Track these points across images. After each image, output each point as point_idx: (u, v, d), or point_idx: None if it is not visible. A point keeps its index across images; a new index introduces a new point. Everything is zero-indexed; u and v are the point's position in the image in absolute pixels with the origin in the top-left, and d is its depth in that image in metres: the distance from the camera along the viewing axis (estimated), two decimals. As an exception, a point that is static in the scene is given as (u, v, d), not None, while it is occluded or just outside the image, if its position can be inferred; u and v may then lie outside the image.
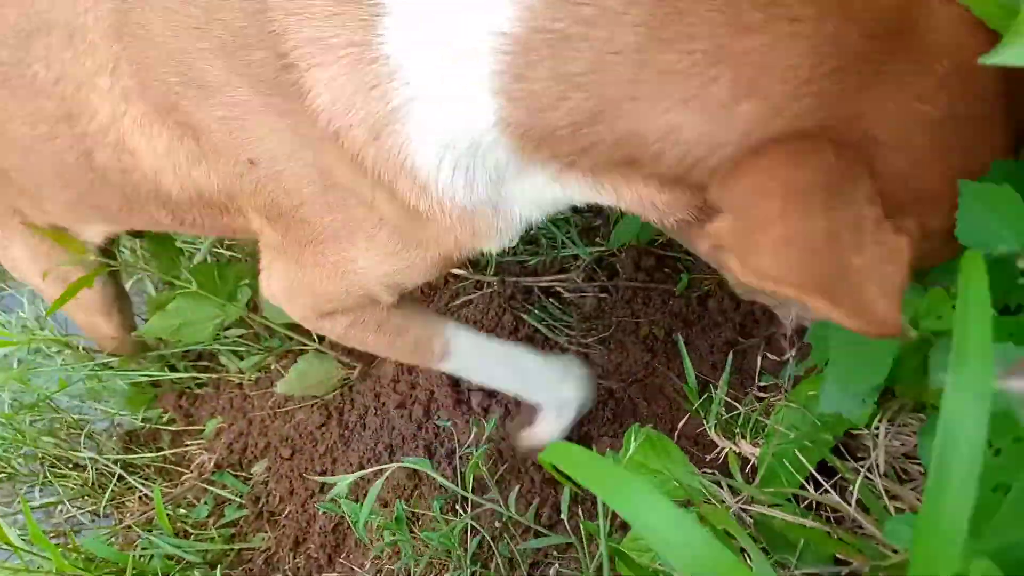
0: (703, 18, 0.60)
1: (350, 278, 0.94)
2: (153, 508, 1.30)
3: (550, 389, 1.14)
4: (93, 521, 1.52)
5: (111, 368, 1.56)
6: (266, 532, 1.29)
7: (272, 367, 1.47)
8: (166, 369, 1.56)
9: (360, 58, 0.72)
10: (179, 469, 1.48)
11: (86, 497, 1.53)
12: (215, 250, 1.70)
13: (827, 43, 0.59)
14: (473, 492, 1.13)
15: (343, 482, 1.04)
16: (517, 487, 1.12)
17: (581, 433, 1.18)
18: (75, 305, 1.34)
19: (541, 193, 0.79)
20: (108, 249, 1.32)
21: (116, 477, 1.49)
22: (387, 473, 1.06)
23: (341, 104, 0.74)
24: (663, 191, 0.71)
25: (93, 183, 1.02)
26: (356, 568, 1.16)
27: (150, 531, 1.35)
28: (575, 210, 1.36)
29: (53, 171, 1.04)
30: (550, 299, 1.34)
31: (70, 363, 1.64)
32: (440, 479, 1.12)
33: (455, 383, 1.26)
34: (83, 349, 1.65)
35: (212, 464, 1.40)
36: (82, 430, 1.60)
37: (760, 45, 0.59)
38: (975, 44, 0.58)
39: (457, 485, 1.14)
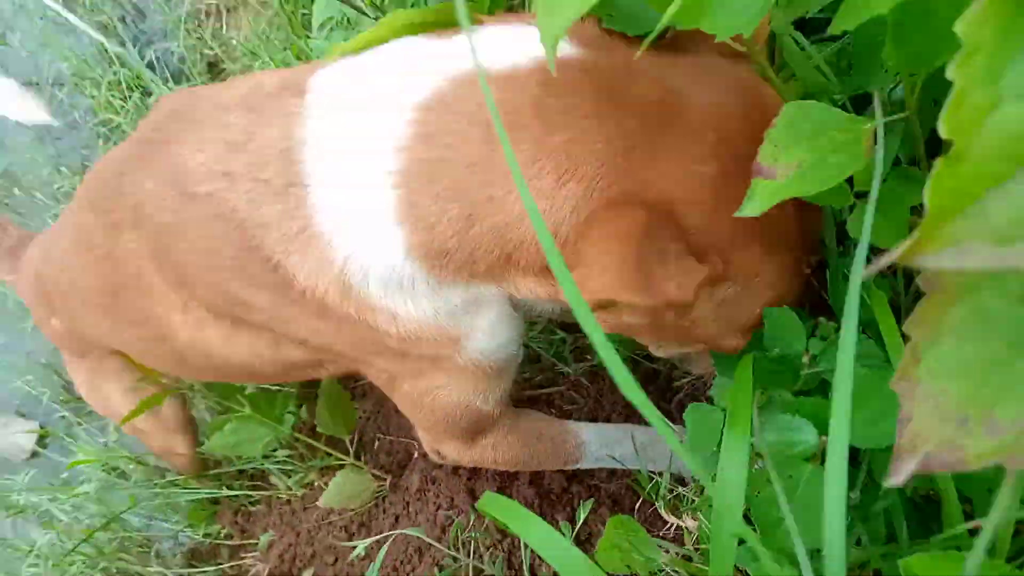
0: (525, 124, 0.80)
1: (438, 408, 1.10)
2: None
3: (668, 455, 1.21)
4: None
5: (176, 485, 1.77)
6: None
7: (316, 483, 1.66)
8: (223, 488, 1.77)
9: (310, 239, 0.92)
10: (240, 581, 1.67)
11: (155, 610, 1.72)
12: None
13: (614, 131, 0.80)
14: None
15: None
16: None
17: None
18: (153, 426, 1.58)
19: (475, 301, 0.97)
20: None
21: (181, 590, 1.69)
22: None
23: (313, 277, 0.94)
24: (540, 280, 0.90)
25: (181, 365, 1.30)
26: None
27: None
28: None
29: (156, 361, 1.36)
30: (552, 410, 1.53)
31: (142, 480, 1.85)
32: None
33: (471, 491, 1.43)
34: (154, 467, 1.87)
35: (266, 574, 1.58)
36: (151, 547, 1.81)
37: (567, 139, 0.80)
38: (735, 118, 0.80)
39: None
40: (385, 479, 1.54)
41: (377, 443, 1.67)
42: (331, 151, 0.90)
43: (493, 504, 0.74)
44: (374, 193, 0.87)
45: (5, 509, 1.94)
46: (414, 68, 0.88)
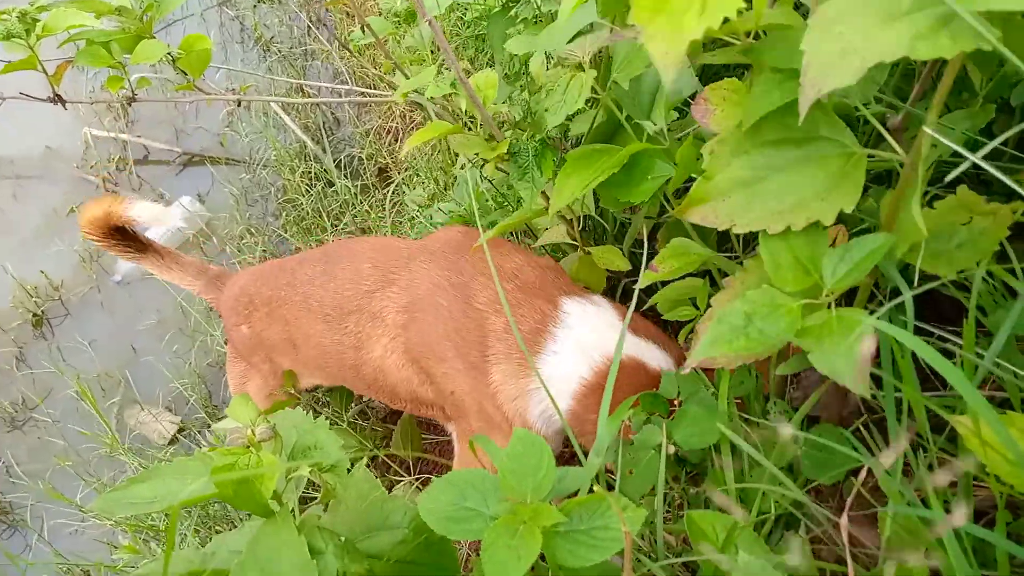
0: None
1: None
2: None
3: None
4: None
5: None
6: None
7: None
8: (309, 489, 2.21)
9: (518, 369, 1.51)
10: None
11: None
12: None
13: None
14: None
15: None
16: None
17: None
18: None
19: None
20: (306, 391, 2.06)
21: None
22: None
23: (502, 385, 1.51)
24: None
25: (350, 372, 1.82)
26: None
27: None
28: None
29: (335, 361, 1.84)
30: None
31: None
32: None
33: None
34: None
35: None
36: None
37: None
38: None
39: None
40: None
41: (435, 472, 2.09)
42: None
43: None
44: (563, 388, 1.47)
45: (145, 472, 2.44)
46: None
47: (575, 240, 1.65)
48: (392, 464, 2.07)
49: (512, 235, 2.07)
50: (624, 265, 1.58)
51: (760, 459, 1.10)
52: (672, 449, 1.18)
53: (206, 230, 3.32)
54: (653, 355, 1.46)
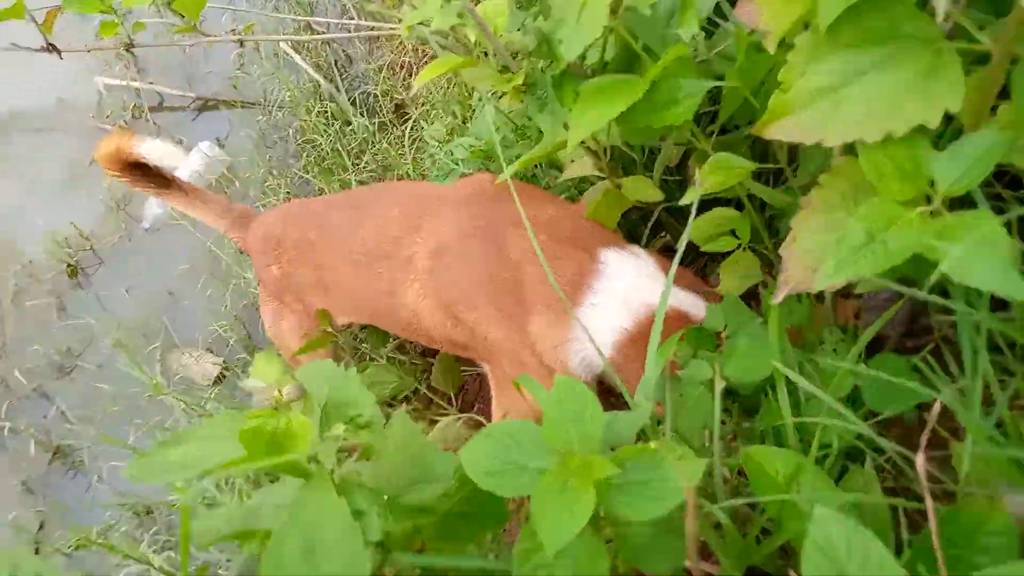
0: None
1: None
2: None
3: None
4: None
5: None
6: None
7: (427, 432, 2.18)
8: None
9: (559, 318, 1.53)
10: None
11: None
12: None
13: None
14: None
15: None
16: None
17: None
18: (309, 359, 2.14)
19: None
20: (340, 330, 2.13)
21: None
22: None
23: (541, 334, 1.55)
24: None
25: (384, 315, 1.89)
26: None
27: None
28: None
29: (369, 305, 1.91)
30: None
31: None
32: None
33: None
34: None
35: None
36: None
37: None
38: None
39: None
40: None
41: (476, 406, 2.18)
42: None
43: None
44: (604, 339, 1.49)
45: (198, 416, 2.54)
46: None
47: (602, 172, 1.69)
48: (434, 398, 2.16)
49: (537, 168, 2.11)
50: (656, 195, 1.62)
51: (818, 393, 1.12)
52: (722, 384, 1.21)
53: (227, 174, 3.36)
54: (695, 305, 1.47)
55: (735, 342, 1.30)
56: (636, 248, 1.60)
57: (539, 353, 1.59)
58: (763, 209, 1.55)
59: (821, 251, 1.00)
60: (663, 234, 1.90)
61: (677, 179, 1.79)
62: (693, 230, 1.46)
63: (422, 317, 1.77)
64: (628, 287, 1.50)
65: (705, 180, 1.27)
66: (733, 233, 1.50)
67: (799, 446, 1.20)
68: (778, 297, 1.04)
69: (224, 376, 2.85)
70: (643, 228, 1.87)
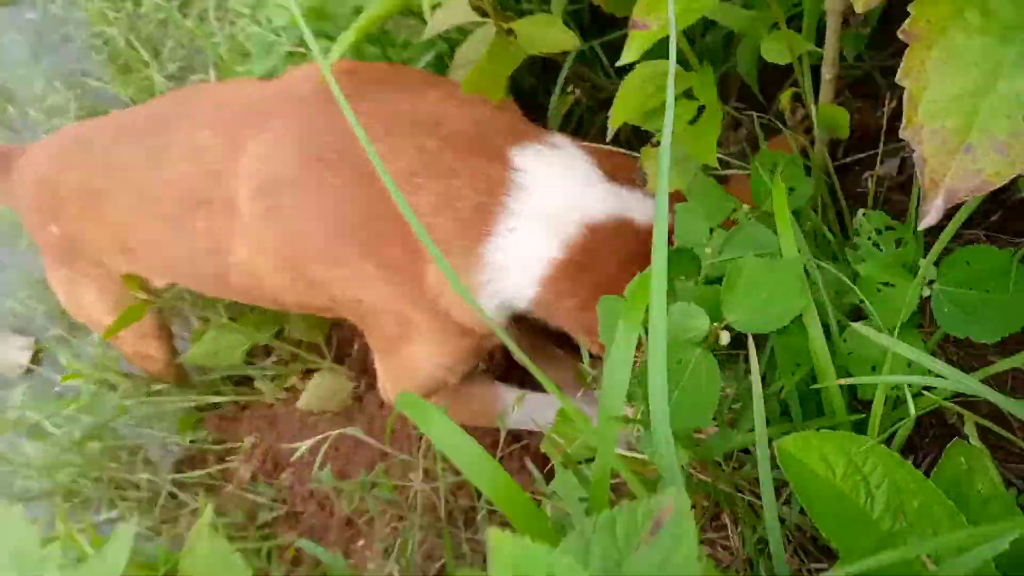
0: None
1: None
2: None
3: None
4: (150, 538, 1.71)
5: (162, 394, 1.76)
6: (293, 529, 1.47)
7: (298, 388, 1.65)
8: (210, 395, 1.76)
9: (467, 260, 1.05)
10: (224, 483, 1.67)
11: (144, 515, 1.73)
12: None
13: None
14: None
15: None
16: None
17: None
18: (130, 333, 1.56)
19: None
20: (160, 291, 1.54)
21: (168, 495, 1.69)
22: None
23: (446, 285, 1.07)
24: None
25: (211, 281, 1.34)
26: (368, 552, 1.33)
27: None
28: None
29: (188, 269, 1.36)
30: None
31: (131, 391, 1.85)
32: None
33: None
34: (143, 379, 1.86)
35: (248, 475, 1.59)
36: (139, 454, 1.81)
37: None
38: None
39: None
40: (360, 380, 1.52)
41: (355, 347, 1.66)
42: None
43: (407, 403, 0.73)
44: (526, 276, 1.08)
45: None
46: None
47: (484, 15, 1.12)
48: (297, 351, 1.62)
49: (389, 24, 1.51)
50: (568, 41, 1.07)
51: (866, 331, 0.69)
52: (728, 337, 0.75)
53: (-2, 95, 2.60)
54: (640, 205, 1.05)
55: (735, 266, 0.79)
56: (557, 137, 1.13)
57: (442, 308, 1.10)
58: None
59: (971, 105, 0.54)
60: (571, 90, 1.36)
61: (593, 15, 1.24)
62: (618, 105, 0.92)
63: (263, 279, 1.23)
64: (553, 198, 1.06)
65: (647, 18, 0.76)
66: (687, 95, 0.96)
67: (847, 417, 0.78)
68: (929, 218, 0.54)
69: (37, 364, 2.22)
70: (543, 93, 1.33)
